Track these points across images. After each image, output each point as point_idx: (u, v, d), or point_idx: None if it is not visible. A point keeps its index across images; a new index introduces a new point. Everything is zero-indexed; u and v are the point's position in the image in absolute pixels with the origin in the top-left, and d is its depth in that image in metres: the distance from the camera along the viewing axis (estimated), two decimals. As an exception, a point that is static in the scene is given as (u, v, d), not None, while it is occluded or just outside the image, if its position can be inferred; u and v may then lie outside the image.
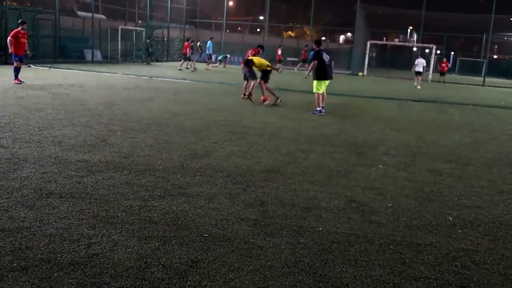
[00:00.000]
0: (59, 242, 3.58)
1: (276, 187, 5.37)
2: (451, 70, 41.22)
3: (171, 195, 4.86)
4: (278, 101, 13.32)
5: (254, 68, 13.60)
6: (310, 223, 4.33)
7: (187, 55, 28.07)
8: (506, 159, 7.79)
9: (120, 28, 31.38)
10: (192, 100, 13.17)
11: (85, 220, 4.05)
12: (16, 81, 14.37)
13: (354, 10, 37.74)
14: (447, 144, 8.82)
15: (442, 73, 30.99)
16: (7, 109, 9.44)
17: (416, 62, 26.08)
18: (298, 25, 60.78)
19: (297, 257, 3.61)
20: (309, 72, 12.71)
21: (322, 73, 12.09)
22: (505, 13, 33.93)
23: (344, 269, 3.48)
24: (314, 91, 12.21)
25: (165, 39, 41.64)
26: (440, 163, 7.19)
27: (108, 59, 31.37)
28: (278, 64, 31.27)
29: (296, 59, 37.56)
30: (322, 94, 12.16)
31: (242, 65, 14.16)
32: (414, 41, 43.97)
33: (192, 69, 27.55)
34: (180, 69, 27.13)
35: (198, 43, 31.79)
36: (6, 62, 22.70)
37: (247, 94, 13.95)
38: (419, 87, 24.77)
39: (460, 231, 4.39)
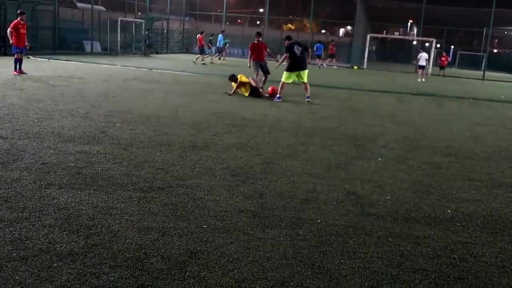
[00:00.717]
0: (59, 232, 3.59)
1: (275, 179, 5.37)
2: (451, 64, 41.18)
3: (170, 186, 4.87)
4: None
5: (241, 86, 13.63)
6: (309, 215, 4.34)
7: (203, 48, 27.99)
8: (505, 153, 7.80)
9: (119, 19, 31.27)
10: (192, 92, 13.15)
11: (84, 211, 4.05)
12: (16, 73, 14.33)
13: (354, 3, 37.66)
14: (446, 138, 8.83)
15: (442, 67, 30.99)
16: (7, 100, 9.43)
17: (419, 56, 26.33)
18: (298, 18, 60.63)
19: (295, 249, 3.62)
20: (280, 63, 13.53)
21: (293, 65, 12.69)
22: (505, 7, 33.78)
23: (342, 261, 3.49)
24: (283, 80, 12.81)
25: (165, 31, 41.55)
26: (439, 156, 7.20)
27: (108, 50, 31.28)
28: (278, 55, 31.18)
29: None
30: (305, 84, 12.80)
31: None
32: (414, 34, 43.93)
33: (202, 62, 27.25)
34: (195, 62, 26.95)
35: (210, 38, 31.11)
36: (5, 53, 22.65)
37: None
38: (423, 80, 24.95)
39: (458, 224, 4.41)
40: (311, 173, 5.77)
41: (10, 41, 14.81)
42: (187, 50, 43.65)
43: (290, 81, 12.75)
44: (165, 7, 41.93)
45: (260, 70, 14.53)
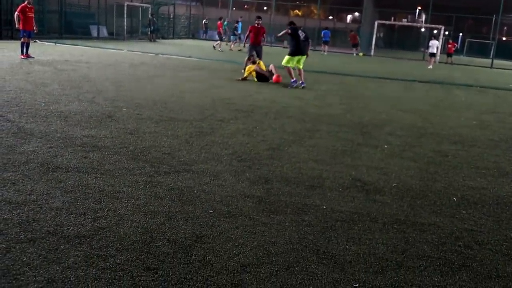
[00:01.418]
0: (66, 215, 3.62)
1: (281, 165, 5.38)
2: (459, 52, 40.88)
3: (177, 171, 4.88)
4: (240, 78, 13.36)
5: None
6: (314, 201, 4.35)
7: (221, 35, 27.83)
8: (512, 141, 7.77)
9: (126, 4, 31.16)
10: (198, 78, 13.13)
11: (91, 195, 4.08)
12: (23, 56, 14.32)
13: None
14: (453, 126, 8.79)
15: (449, 54, 30.82)
16: (14, 84, 9.45)
17: (430, 44, 26.32)
18: (305, 4, 60.19)
19: (301, 234, 3.63)
20: (281, 35, 13.60)
21: (296, 49, 12.54)
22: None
23: (347, 246, 3.50)
24: (283, 63, 12.68)
25: (171, 16, 41.38)
26: (445, 144, 7.17)
27: (114, 35, 31.22)
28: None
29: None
30: (299, 70, 12.64)
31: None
32: (422, 21, 43.49)
33: (219, 49, 26.95)
34: (215, 48, 26.78)
35: (235, 25, 30.58)
36: (12, 37, 22.65)
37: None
38: (430, 67, 24.95)
39: (464, 212, 4.40)
40: (317, 159, 5.77)
41: (17, 26, 14.73)
42: (193, 35, 43.51)
43: (290, 64, 12.61)
44: (172, -8, 41.72)
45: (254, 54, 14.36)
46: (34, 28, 14.94)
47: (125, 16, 30.69)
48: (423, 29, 48.26)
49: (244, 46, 14.63)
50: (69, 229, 3.39)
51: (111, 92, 9.41)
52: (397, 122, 8.67)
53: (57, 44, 21.64)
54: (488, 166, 6.11)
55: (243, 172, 5.04)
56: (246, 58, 14.38)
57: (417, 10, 47.37)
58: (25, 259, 2.95)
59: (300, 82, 12.68)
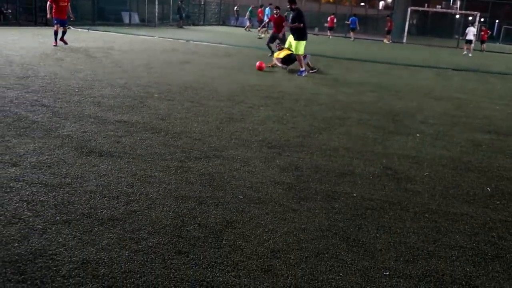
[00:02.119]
0: (99, 198, 3.69)
1: (311, 153, 5.36)
2: (495, 39, 39.81)
3: (207, 157, 4.92)
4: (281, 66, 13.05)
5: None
6: (344, 189, 4.33)
7: (262, 21, 27.65)
8: (549, 131, 7.55)
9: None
10: (229, 65, 13.14)
11: (123, 179, 4.15)
12: (54, 44, 14.46)
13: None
14: (488, 115, 8.60)
15: (482, 41, 30.14)
16: (48, 70, 9.64)
17: (467, 31, 26.03)
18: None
19: (331, 222, 3.63)
20: (294, 27, 11.99)
21: (305, 32, 11.98)
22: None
23: (378, 235, 3.48)
24: (301, 52, 12.02)
25: (202, 3, 41.40)
26: (479, 133, 7.03)
27: (145, 22, 31.45)
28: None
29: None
30: (297, 56, 12.06)
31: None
32: (457, 8, 42.50)
33: (259, 36, 26.75)
34: (260, 37, 26.57)
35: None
36: (47, 24, 23.04)
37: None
38: (470, 54, 24.62)
39: (498, 202, 4.32)
40: (347, 147, 5.73)
41: (48, 15, 14.73)
42: (224, 22, 43.45)
43: (303, 50, 12.10)
44: (202, -22, 41.68)
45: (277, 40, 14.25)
46: (71, 16, 15.07)
47: (157, 2, 30.85)
48: (457, 16, 47.14)
49: (260, 31, 14.60)
50: (102, 211, 3.47)
51: (143, 78, 9.51)
52: (430, 111, 8.53)
53: (89, 31, 21.94)
54: (524, 156, 5.96)
55: (273, 158, 5.04)
56: (270, 43, 14.39)
57: (452, -4, 46.31)
58: (60, 240, 3.02)
59: (301, 69, 12.09)
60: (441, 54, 25.57)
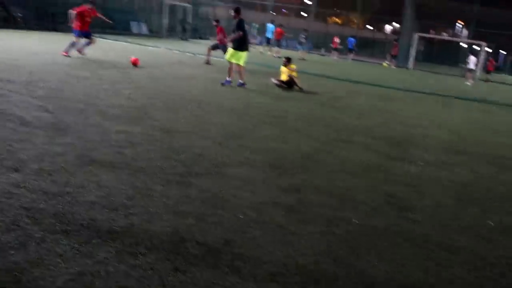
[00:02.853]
0: (99, 209, 3.67)
1: (313, 175, 5.34)
2: (501, 70, 39.94)
3: (208, 173, 4.90)
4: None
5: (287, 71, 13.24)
6: (345, 214, 4.30)
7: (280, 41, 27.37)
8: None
9: (167, 2, 31.56)
10: (233, 81, 13.16)
11: (124, 190, 4.12)
12: (65, 54, 14.05)
13: None
14: (493, 146, 8.58)
15: (488, 72, 30.25)
16: (55, 76, 9.67)
17: (468, 60, 26.17)
18: (344, 12, 59.82)
19: (330, 247, 3.59)
20: (231, 40, 11.85)
21: (243, 43, 11.69)
22: None
23: (377, 263, 3.44)
24: (227, 58, 11.87)
25: (210, 17, 41.68)
26: (484, 165, 7.00)
27: (154, 33, 31.65)
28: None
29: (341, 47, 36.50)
30: (239, 67, 11.80)
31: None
32: (464, 36, 42.74)
33: (276, 56, 26.15)
34: (276, 56, 26.26)
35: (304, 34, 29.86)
36: (56, 29, 23.19)
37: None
38: (469, 84, 24.62)
39: (501, 238, 4.28)
40: (350, 171, 5.71)
41: (69, 22, 14.35)
42: (231, 37, 43.71)
43: (241, 62, 11.77)
44: (212, -7, 42.04)
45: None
46: (109, 21, 14.93)
47: (166, 14, 31.07)
48: (465, 45, 47.39)
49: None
50: (101, 223, 3.44)
51: (147, 89, 9.52)
52: (433, 138, 8.51)
53: (98, 39, 21.99)
54: (526, 191, 5.93)
55: (275, 179, 5.02)
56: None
57: (459, 25, 46.58)
58: (58, 250, 2.99)
59: (240, 81, 11.93)
60: (446, 81, 25.63)
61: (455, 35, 45.89)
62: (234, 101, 9.57)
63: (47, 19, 23.95)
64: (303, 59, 25.89)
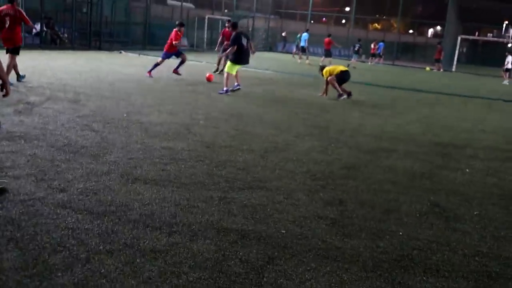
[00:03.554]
0: (142, 228, 3.72)
1: (355, 186, 5.26)
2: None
3: (251, 188, 4.90)
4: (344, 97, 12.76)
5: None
6: (390, 227, 4.20)
7: (330, 52, 27.13)
8: None
9: (207, 17, 32.02)
10: (273, 92, 13.19)
11: (167, 208, 4.17)
12: (148, 74, 14.03)
13: (446, 2, 36.17)
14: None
15: None
16: (100, 94, 9.92)
17: (506, 60, 25.89)
18: (384, 17, 59.10)
19: (375, 262, 3.52)
20: (226, 54, 12.66)
21: (240, 57, 12.02)
22: None
23: (425, 278, 3.34)
24: (226, 70, 12.25)
25: (250, 29, 42.01)
26: (534, 170, 6.73)
27: (194, 47, 32.13)
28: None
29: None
30: (235, 74, 12.16)
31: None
32: (509, 36, 41.45)
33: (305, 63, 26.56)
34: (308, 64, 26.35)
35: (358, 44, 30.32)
36: (100, 48, 23.88)
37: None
38: (506, 83, 24.33)
39: (554, 247, 4.09)
40: (393, 181, 5.59)
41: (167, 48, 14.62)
42: (271, 48, 43.87)
43: (234, 72, 12.11)
44: (251, 5, 42.35)
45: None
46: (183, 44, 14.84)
47: (206, 28, 31.52)
48: (510, 45, 45.88)
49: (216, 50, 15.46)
50: (145, 242, 3.48)
51: (189, 104, 9.65)
52: (480, 144, 8.26)
53: (140, 55, 22.53)
54: None
55: (317, 191, 4.97)
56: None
57: (504, 25, 45.23)
58: (103, 270, 3.05)
59: (236, 84, 12.15)
60: (491, 83, 24.87)
61: (501, 35, 44.52)
62: (276, 112, 9.57)
63: (91, 39, 24.69)
64: (354, 67, 25.71)
